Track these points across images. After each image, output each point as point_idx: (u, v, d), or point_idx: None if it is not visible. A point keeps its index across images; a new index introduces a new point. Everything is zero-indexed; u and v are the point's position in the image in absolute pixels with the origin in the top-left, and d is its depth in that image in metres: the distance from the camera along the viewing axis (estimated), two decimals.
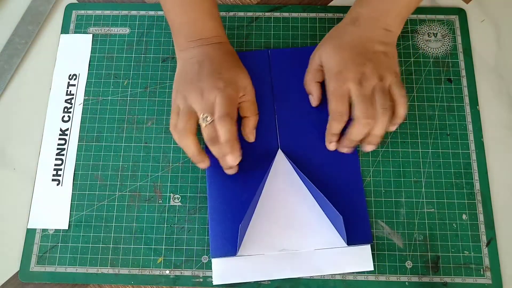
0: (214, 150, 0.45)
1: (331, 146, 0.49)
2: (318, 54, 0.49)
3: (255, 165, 0.50)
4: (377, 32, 0.47)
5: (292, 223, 0.48)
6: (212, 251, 0.47)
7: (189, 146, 0.45)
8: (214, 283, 0.46)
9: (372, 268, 0.47)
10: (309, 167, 0.49)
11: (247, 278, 0.46)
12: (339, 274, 0.47)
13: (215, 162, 0.47)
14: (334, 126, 0.47)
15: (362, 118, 0.45)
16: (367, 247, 0.47)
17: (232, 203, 0.48)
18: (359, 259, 0.47)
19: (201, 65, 0.46)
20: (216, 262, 0.47)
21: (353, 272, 0.47)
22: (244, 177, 0.49)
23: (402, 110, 0.47)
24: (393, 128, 0.48)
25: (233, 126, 0.44)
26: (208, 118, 0.44)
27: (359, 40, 0.47)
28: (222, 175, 0.49)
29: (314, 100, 0.51)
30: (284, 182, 0.50)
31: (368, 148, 0.48)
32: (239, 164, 0.47)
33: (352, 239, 0.47)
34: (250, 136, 0.50)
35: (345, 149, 0.49)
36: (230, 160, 0.45)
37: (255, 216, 0.48)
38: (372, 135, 0.46)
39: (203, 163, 0.47)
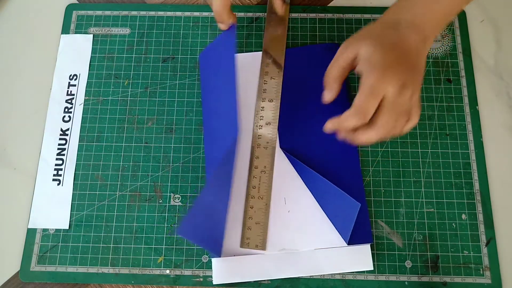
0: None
1: (341, 135, 0.44)
2: (355, 47, 0.44)
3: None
4: (416, 41, 0.44)
5: (292, 223, 0.48)
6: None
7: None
8: (214, 282, 0.46)
9: (371, 268, 0.47)
10: (309, 166, 0.49)
11: (247, 277, 0.46)
12: (339, 273, 0.47)
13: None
14: (351, 121, 0.42)
15: (380, 126, 0.42)
16: (367, 247, 0.47)
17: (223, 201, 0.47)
18: (358, 258, 0.47)
19: None
20: (216, 262, 0.47)
21: (353, 272, 0.47)
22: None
23: (407, 128, 0.44)
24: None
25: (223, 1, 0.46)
26: None
27: (401, 46, 0.43)
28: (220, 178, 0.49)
29: (330, 98, 0.46)
30: (284, 181, 0.50)
31: (359, 139, 0.44)
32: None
33: (352, 238, 0.47)
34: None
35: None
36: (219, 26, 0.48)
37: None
38: (369, 140, 0.43)
39: (223, 24, 0.48)
